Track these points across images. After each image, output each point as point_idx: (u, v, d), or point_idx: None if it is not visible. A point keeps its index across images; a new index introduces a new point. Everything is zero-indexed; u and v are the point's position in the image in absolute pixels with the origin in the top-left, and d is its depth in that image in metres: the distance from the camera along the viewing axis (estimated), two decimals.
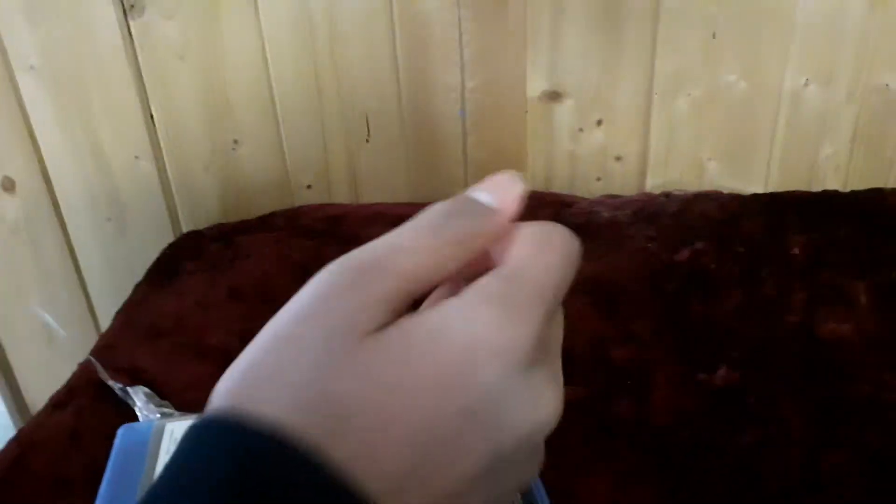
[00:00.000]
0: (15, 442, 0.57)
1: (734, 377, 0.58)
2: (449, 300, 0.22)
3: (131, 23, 0.84)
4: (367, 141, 0.91)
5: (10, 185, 0.93)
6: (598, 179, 0.92)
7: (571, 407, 0.56)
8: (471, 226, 0.23)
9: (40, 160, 0.91)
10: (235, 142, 0.90)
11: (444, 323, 0.21)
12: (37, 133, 0.90)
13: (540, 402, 0.22)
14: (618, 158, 0.91)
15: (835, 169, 0.89)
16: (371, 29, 0.85)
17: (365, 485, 0.19)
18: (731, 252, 0.76)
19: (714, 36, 0.83)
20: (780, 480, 0.48)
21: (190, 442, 0.20)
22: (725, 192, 0.89)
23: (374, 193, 0.93)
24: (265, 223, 0.88)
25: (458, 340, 0.21)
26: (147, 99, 0.88)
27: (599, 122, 0.90)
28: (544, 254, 0.24)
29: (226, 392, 0.21)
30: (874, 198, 0.85)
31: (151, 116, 0.89)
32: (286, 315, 0.22)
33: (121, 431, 0.52)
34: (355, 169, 0.93)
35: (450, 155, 0.92)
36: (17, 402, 1.05)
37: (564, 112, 0.90)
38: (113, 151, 0.91)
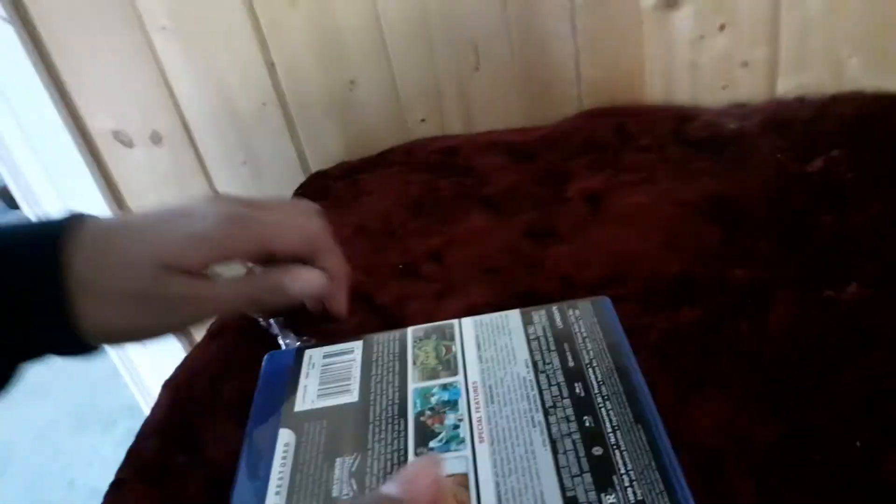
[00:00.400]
0: (181, 369, 0.65)
1: (866, 294, 0.55)
2: None
3: None
4: (477, 69, 0.90)
5: (157, 139, 1.02)
6: (724, 88, 0.87)
7: (687, 328, 0.55)
8: None
9: (180, 113, 0.99)
10: (352, 82, 0.93)
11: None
12: (174, 88, 0.97)
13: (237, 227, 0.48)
14: (744, 64, 0.85)
15: None
16: None
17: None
18: (871, 159, 0.70)
19: None
20: None
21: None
22: (868, 91, 0.81)
23: (487, 121, 0.93)
24: (384, 159, 0.91)
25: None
26: (267, 48, 0.93)
27: (722, 27, 0.84)
28: None
29: None
30: None
31: (272, 64, 0.94)
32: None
33: (266, 358, 0.58)
34: (467, 98, 0.93)
35: (562, 74, 0.90)
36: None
37: (683, 19, 0.84)
38: (242, 99, 0.97)
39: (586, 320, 0.54)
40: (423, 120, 0.95)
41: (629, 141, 0.83)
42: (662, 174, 0.76)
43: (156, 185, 1.05)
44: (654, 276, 0.62)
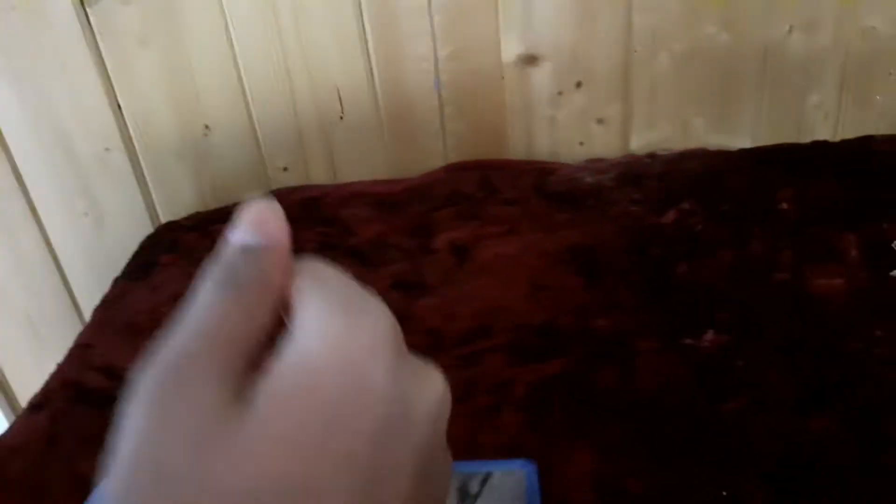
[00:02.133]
0: None
1: (722, 341, 0.56)
2: (294, 335, 0.20)
3: (89, 10, 0.82)
4: (342, 118, 0.88)
5: None
6: (581, 144, 0.90)
7: (554, 379, 0.54)
8: (255, 276, 0.21)
9: (9, 157, 0.89)
10: (207, 127, 0.88)
11: (306, 353, 0.20)
12: (3, 130, 0.88)
13: (431, 375, 0.22)
14: (600, 121, 0.89)
15: (824, 118, 0.86)
16: (336, 1, 0.82)
17: None
18: (719, 211, 0.74)
19: None
20: (769, 447, 0.47)
21: None
22: (712, 148, 0.87)
23: (352, 172, 0.91)
24: None
25: (331, 361, 0.20)
26: (112, 88, 0.86)
27: (579, 85, 0.87)
28: (330, 268, 0.23)
29: None
30: (864, 146, 0.83)
31: (119, 106, 0.87)
32: (133, 443, 0.18)
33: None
34: (331, 148, 0.90)
35: (427, 128, 0.90)
36: (9, 399, 1.05)
37: (542, 76, 0.87)
38: (82, 144, 0.89)
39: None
40: (285, 169, 0.91)
41: (493, 194, 0.83)
42: (526, 226, 0.76)
43: None
44: (521, 327, 0.61)
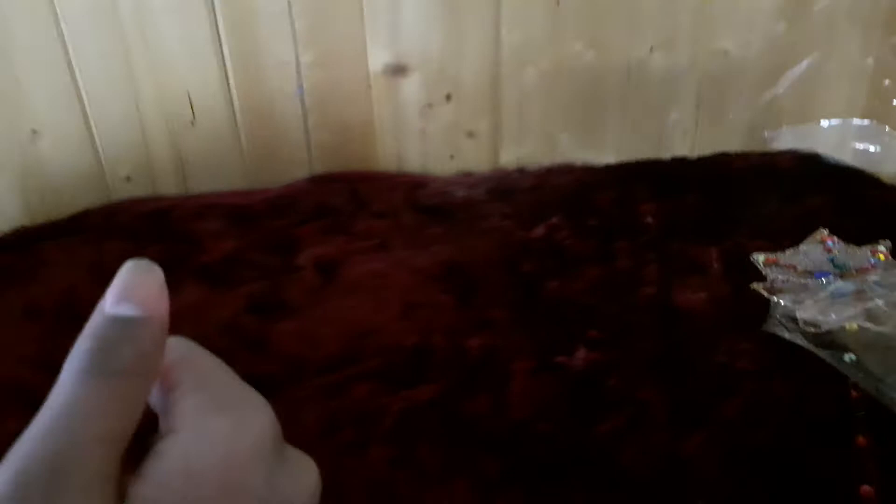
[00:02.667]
0: None
1: (594, 358, 0.55)
2: (173, 434, 0.19)
3: None
4: (193, 124, 0.81)
5: None
6: (452, 157, 0.88)
7: (427, 407, 0.51)
8: (132, 360, 0.19)
9: None
10: (34, 132, 0.78)
11: (187, 455, 0.19)
12: None
13: (306, 467, 0.22)
14: (470, 134, 0.87)
15: (682, 135, 0.89)
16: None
17: None
18: (586, 226, 0.74)
19: (558, 3, 0.80)
20: (643, 469, 0.45)
21: None
22: (579, 164, 0.87)
23: (206, 182, 0.83)
24: (76, 224, 0.76)
25: (213, 465, 0.19)
26: None
27: (449, 97, 0.85)
28: (203, 352, 0.22)
29: None
30: (720, 162, 0.86)
31: None
32: None
33: None
34: (181, 156, 0.83)
35: (290, 136, 0.84)
36: None
37: (411, 87, 0.84)
38: None
39: None
40: (128, 178, 0.82)
41: (362, 207, 0.79)
42: (397, 241, 0.72)
43: None
44: (391, 350, 0.57)
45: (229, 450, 0.19)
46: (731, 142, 0.89)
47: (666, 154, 0.89)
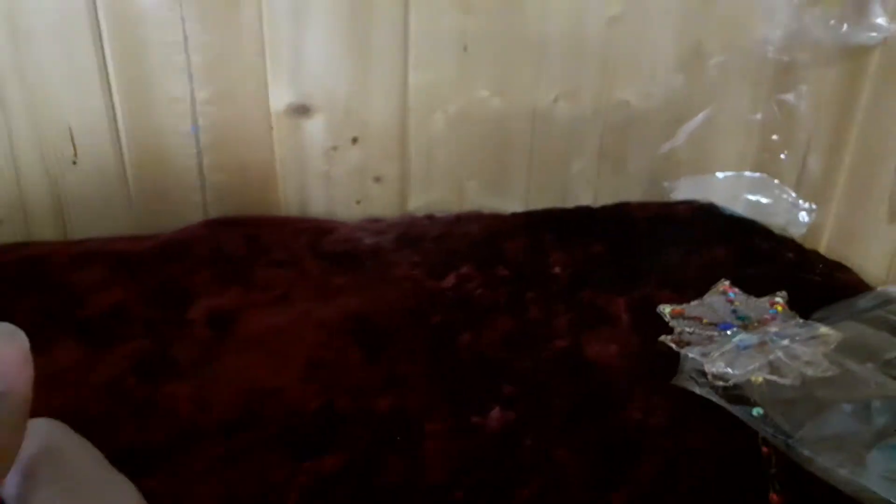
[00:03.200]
0: None
1: (509, 417, 0.53)
2: None
3: None
4: (75, 163, 0.74)
5: None
6: (358, 202, 0.85)
7: (333, 481, 0.47)
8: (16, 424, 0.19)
9: None
10: None
11: None
12: None
13: None
14: (377, 179, 0.84)
15: (585, 184, 0.90)
16: (68, 26, 0.69)
17: None
18: (496, 275, 0.73)
19: (466, 49, 0.80)
20: None
21: None
22: (487, 211, 0.86)
23: (88, 227, 0.76)
24: None
25: None
26: None
27: (355, 140, 0.82)
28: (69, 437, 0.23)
29: None
30: (622, 212, 0.88)
31: None
32: None
33: None
34: (61, 198, 0.76)
35: (183, 178, 0.79)
36: None
37: (315, 128, 0.81)
38: None
39: None
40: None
41: (261, 254, 0.74)
42: (300, 291, 0.68)
43: None
44: (294, 415, 0.53)
45: None
46: (633, 191, 0.91)
47: (571, 203, 0.90)
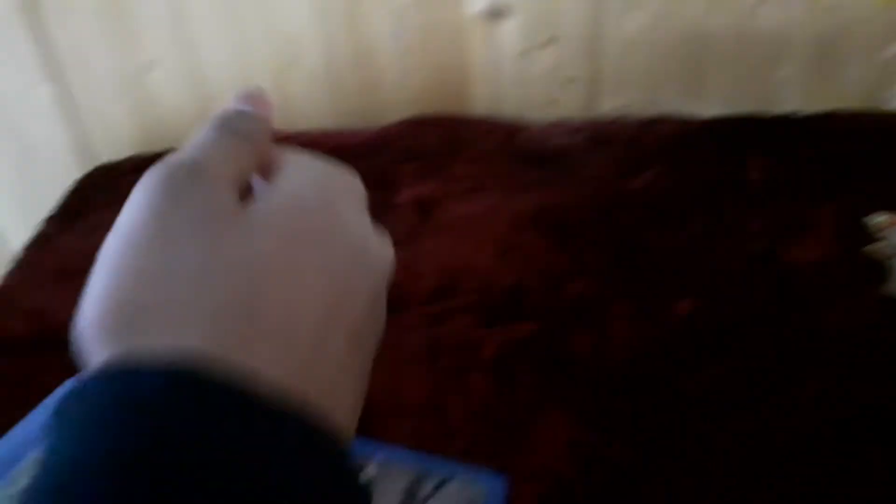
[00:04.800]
0: None
1: (696, 308, 0.55)
2: (282, 171, 0.23)
3: None
4: (294, 64, 0.82)
5: None
6: (550, 104, 0.87)
7: (524, 343, 0.51)
8: (246, 129, 0.25)
9: None
10: (149, 63, 0.81)
11: (292, 185, 0.23)
12: None
13: (384, 240, 0.25)
14: (569, 81, 0.85)
15: (791, 92, 0.85)
16: None
17: (285, 383, 0.18)
18: (688, 178, 0.72)
19: None
20: (745, 417, 0.45)
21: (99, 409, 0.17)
22: (683, 115, 0.85)
23: (305, 121, 0.85)
24: None
25: (314, 195, 0.23)
26: (40, 14, 0.78)
27: (548, 42, 0.83)
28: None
29: (103, 331, 0.19)
30: (832, 122, 0.82)
31: (48, 36, 0.79)
32: (127, 236, 0.20)
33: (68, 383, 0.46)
34: (283, 94, 0.85)
35: (385, 78, 0.85)
36: None
37: (510, 30, 0.83)
38: (8, 76, 0.81)
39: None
40: None
41: (458, 151, 0.79)
42: (492, 185, 0.73)
43: None
44: (488, 288, 0.57)
45: (325, 187, 0.23)
46: (845, 100, 0.85)
47: (774, 110, 0.86)
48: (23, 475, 0.40)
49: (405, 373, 0.49)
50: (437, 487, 0.39)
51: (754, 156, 0.75)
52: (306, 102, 0.86)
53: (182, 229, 0.20)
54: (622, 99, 0.86)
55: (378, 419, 0.44)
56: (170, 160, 0.21)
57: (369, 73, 0.85)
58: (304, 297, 0.20)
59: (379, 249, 0.24)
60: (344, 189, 0.24)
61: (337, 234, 0.22)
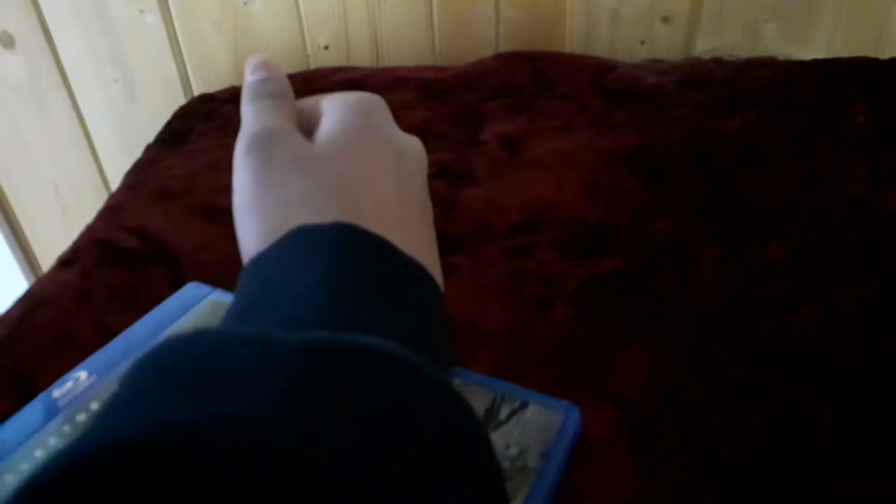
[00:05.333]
0: (22, 300, 0.55)
1: (787, 252, 0.53)
2: (324, 111, 0.30)
3: None
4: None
5: (9, 41, 0.87)
6: (643, 43, 0.84)
7: (609, 279, 0.52)
8: (278, 86, 0.30)
9: (38, 12, 0.85)
10: None
11: (337, 118, 0.29)
12: None
13: (414, 140, 0.31)
14: (665, 19, 0.83)
15: None
16: None
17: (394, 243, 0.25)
18: (787, 122, 0.69)
19: None
20: (835, 364, 0.44)
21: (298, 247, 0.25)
22: (782, 58, 0.81)
23: (397, 56, 0.86)
24: None
25: (357, 123, 0.29)
26: None
27: None
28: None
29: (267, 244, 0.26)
30: None
31: None
32: (249, 190, 0.27)
33: (188, 286, 0.50)
34: (376, 29, 0.85)
35: (480, 13, 0.84)
36: (33, 267, 1.04)
37: None
38: (116, 4, 0.84)
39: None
40: (326, 47, 0.86)
41: (547, 88, 0.78)
42: (581, 123, 0.72)
43: (5, 98, 0.91)
44: (574, 224, 0.58)
45: (359, 106, 0.29)
46: None
47: (885, 55, 0.81)
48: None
49: (487, 302, 0.50)
50: (514, 412, 0.40)
51: (860, 100, 0.71)
52: (398, 38, 0.86)
53: (283, 175, 0.27)
54: (718, 40, 0.83)
55: (458, 346, 0.45)
56: (247, 134, 0.28)
57: (462, 9, 0.84)
58: (384, 188, 0.27)
59: (413, 148, 0.30)
60: (374, 109, 0.30)
61: (381, 143, 0.29)
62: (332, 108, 0.29)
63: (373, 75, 0.83)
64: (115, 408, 0.17)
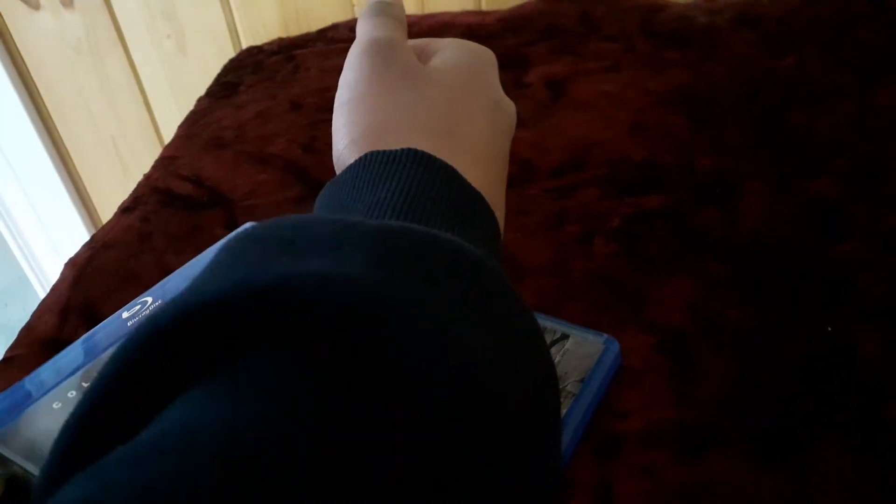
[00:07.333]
0: (89, 244, 0.58)
1: (836, 187, 0.52)
2: (439, 48, 0.32)
3: None
4: None
5: (68, 0, 0.90)
6: None
7: (653, 215, 0.52)
8: (396, 9, 0.33)
9: None
10: None
11: (451, 55, 0.31)
12: None
13: (508, 99, 0.32)
14: None
15: None
16: None
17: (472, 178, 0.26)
18: (843, 59, 0.67)
19: None
20: (881, 292, 0.43)
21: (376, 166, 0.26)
22: None
23: (441, 2, 0.85)
24: (325, 36, 0.83)
25: (466, 60, 0.31)
26: None
27: None
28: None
29: (356, 147, 0.27)
30: None
31: None
32: (356, 88, 0.29)
33: (245, 226, 0.51)
34: None
35: None
36: (93, 220, 1.09)
37: None
38: None
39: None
40: None
41: (594, 29, 0.77)
42: (628, 64, 0.71)
43: (65, 56, 0.94)
44: (618, 163, 0.57)
45: (472, 52, 0.32)
46: None
47: None
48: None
49: (529, 239, 0.50)
50: (555, 342, 0.41)
51: None
52: None
53: (396, 80, 0.29)
54: None
55: None
56: (366, 39, 0.30)
57: None
58: (479, 128, 0.29)
59: (510, 107, 0.32)
60: (484, 60, 0.32)
61: (487, 89, 0.31)
62: (449, 46, 0.32)
63: (417, 23, 0.83)
64: (204, 276, 0.19)
